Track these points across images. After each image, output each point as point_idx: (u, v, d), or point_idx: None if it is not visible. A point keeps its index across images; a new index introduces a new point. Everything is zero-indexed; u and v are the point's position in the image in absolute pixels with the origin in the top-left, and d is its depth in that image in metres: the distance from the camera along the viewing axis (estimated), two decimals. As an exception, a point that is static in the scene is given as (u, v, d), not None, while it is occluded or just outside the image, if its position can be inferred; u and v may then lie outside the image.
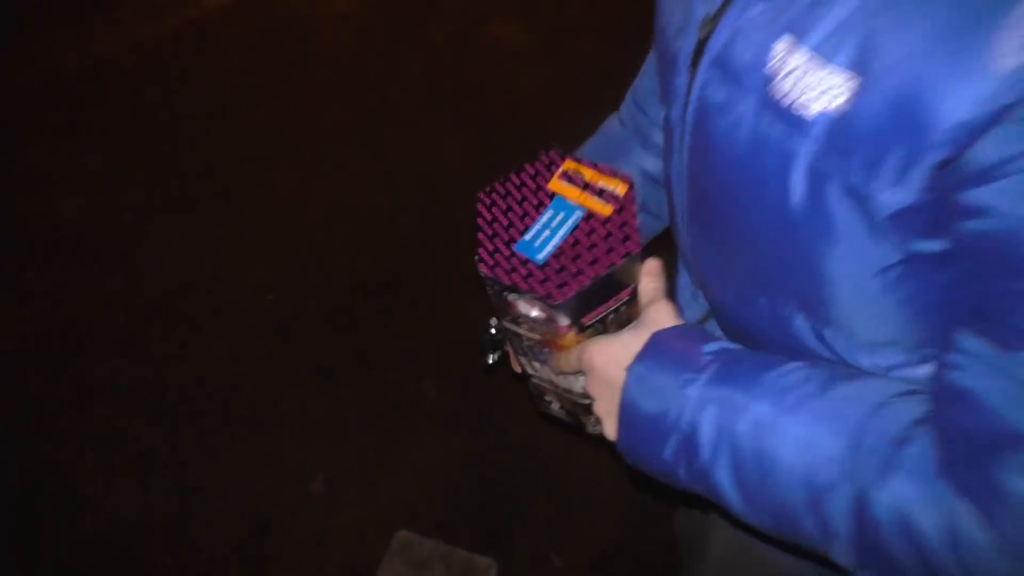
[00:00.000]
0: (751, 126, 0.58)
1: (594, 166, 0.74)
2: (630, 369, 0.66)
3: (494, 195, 0.75)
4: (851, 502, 0.55)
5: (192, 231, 2.59)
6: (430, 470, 2.13)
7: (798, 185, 0.56)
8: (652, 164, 0.91)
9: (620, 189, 0.72)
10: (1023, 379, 0.48)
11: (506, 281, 0.68)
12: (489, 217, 0.73)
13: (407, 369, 2.28)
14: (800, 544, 0.60)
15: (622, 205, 0.71)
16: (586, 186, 0.73)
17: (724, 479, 0.61)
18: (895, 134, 0.50)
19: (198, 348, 2.35)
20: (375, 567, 1.91)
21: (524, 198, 0.74)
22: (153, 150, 2.80)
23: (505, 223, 0.72)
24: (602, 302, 0.70)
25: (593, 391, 0.71)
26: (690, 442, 0.62)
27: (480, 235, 0.72)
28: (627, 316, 0.74)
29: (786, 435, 0.58)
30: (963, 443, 0.51)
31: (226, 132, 2.83)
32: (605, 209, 0.71)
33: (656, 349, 0.66)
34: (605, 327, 0.73)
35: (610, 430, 0.70)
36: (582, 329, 0.71)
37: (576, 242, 0.69)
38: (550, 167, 0.75)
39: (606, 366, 0.69)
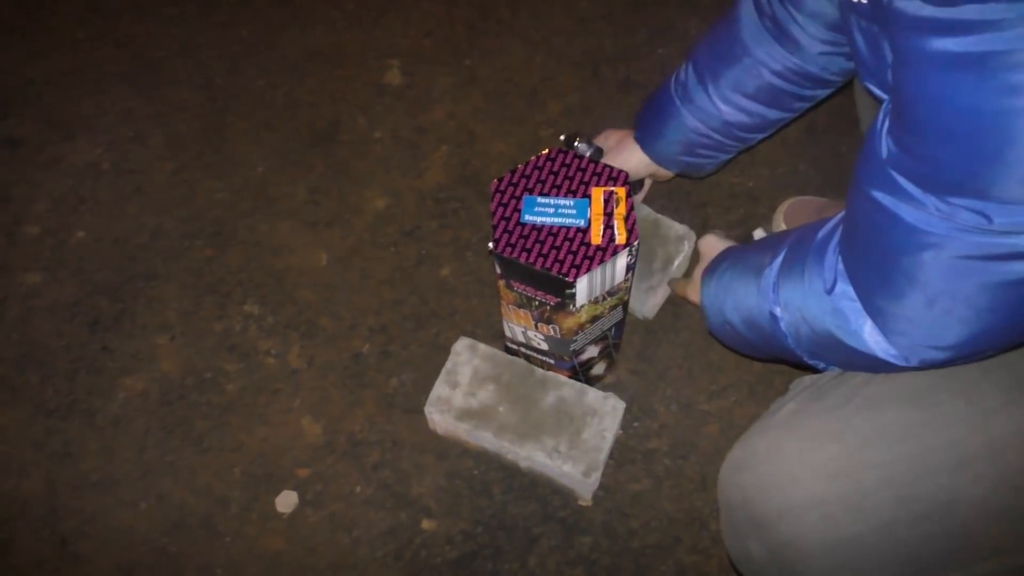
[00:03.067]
0: None
1: (631, 209, 0.87)
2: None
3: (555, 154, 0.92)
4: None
5: None
6: (545, 42, 1.50)
7: None
8: (778, 60, 0.93)
9: (621, 239, 0.85)
10: None
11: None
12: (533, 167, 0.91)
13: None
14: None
15: (608, 247, 0.84)
16: (610, 215, 0.86)
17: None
18: None
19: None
20: (483, 166, 1.35)
21: (568, 177, 0.90)
22: None
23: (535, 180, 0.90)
24: (533, 287, 0.88)
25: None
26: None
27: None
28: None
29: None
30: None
31: None
32: (596, 238, 0.85)
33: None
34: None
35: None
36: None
37: (555, 235, 0.85)
38: (613, 178, 0.89)
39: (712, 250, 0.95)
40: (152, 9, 1.56)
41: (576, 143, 1.06)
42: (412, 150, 1.38)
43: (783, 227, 1.23)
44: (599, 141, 1.11)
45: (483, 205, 1.31)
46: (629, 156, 1.07)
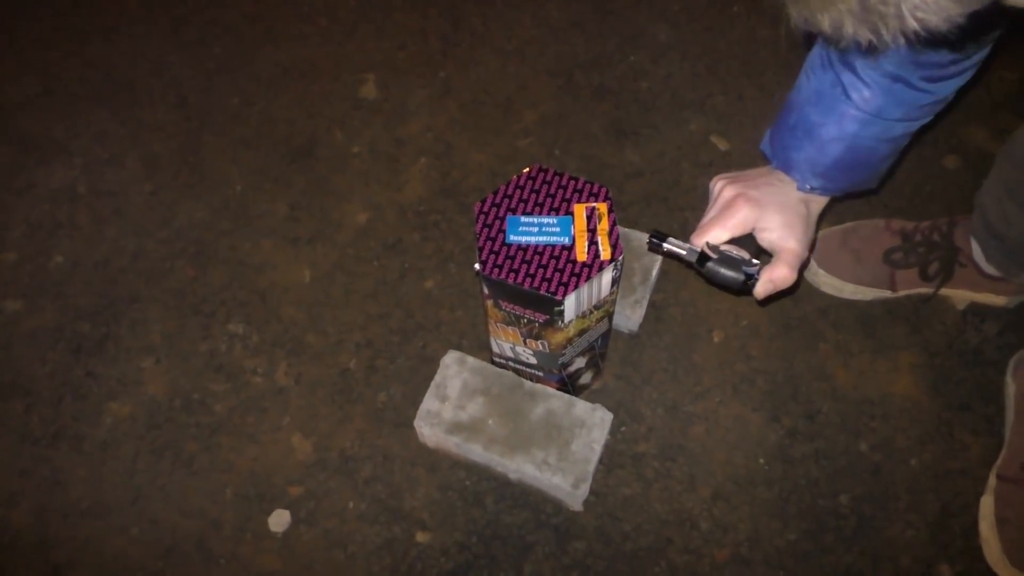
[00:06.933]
0: None
1: (613, 224, 0.88)
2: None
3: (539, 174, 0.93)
4: None
5: None
6: (518, 52, 1.51)
7: None
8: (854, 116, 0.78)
9: (606, 254, 0.86)
10: None
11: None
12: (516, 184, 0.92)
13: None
14: None
15: (594, 263, 0.86)
16: (593, 231, 0.88)
17: None
18: None
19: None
20: (462, 182, 1.36)
21: (550, 195, 0.91)
22: None
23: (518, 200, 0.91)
24: (522, 306, 0.89)
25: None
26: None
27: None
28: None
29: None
30: None
31: None
32: (582, 255, 0.86)
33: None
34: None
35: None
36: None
37: (541, 253, 0.86)
38: (594, 194, 0.91)
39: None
40: (121, 29, 1.55)
41: (667, 243, 0.84)
42: (391, 163, 1.38)
43: (821, 273, 1.22)
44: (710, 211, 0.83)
45: (464, 216, 1.32)
46: (764, 198, 0.81)
